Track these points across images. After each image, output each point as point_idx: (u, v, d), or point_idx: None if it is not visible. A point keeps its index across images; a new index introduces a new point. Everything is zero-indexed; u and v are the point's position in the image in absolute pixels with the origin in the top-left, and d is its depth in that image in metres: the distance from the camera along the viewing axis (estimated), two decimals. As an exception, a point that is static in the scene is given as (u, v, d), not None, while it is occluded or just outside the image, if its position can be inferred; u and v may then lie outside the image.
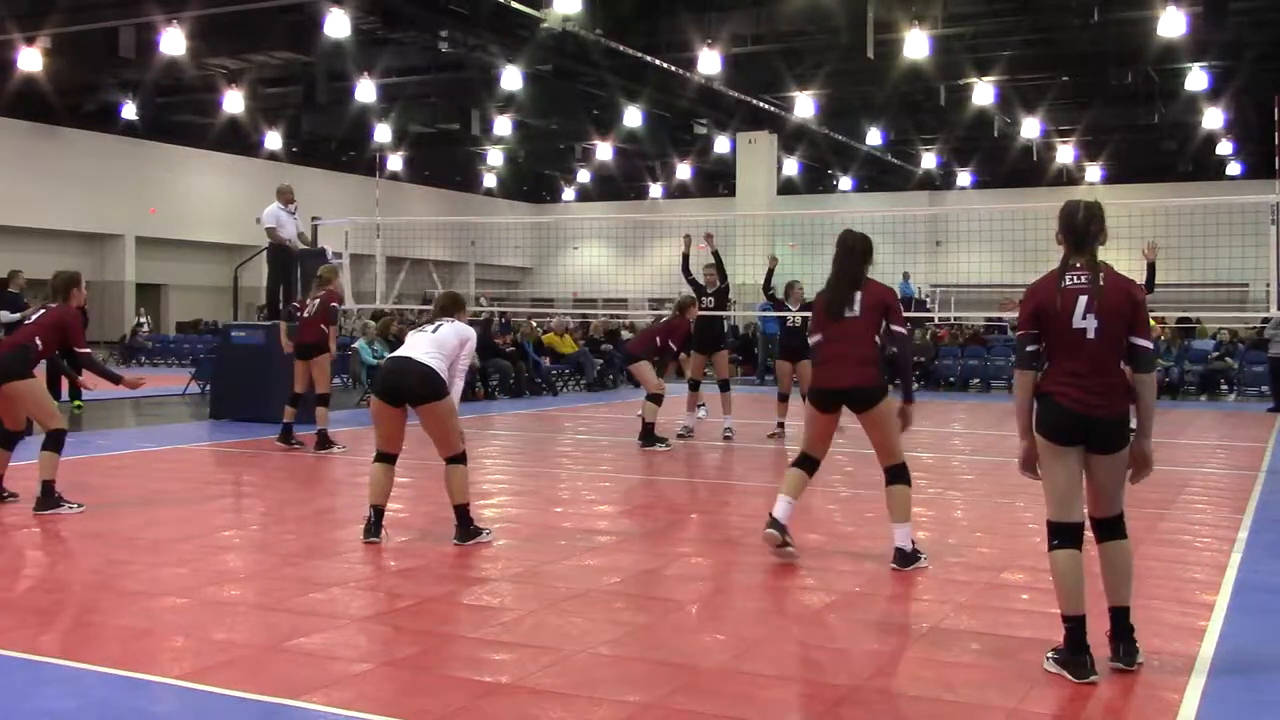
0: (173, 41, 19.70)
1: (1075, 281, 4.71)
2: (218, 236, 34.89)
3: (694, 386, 13.59)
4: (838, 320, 6.54)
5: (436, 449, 7.24)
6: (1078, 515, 4.73)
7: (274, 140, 31.68)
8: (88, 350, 8.33)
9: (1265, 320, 18.26)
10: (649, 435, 12.32)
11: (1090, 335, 4.63)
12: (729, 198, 34.06)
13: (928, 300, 32.59)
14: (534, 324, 22.79)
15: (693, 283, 13.37)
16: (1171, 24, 17.98)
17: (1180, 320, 23.63)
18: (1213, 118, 26.83)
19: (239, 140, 32.78)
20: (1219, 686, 4.61)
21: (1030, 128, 28.54)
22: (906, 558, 6.55)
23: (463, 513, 7.21)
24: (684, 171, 37.34)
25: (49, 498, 8.00)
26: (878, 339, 6.51)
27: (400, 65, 25.54)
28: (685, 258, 13.53)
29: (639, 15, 22.33)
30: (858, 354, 6.46)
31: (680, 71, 22.93)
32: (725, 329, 13.62)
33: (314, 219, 16.27)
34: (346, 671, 4.75)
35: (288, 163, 33.63)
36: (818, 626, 5.57)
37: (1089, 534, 4.85)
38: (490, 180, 42.77)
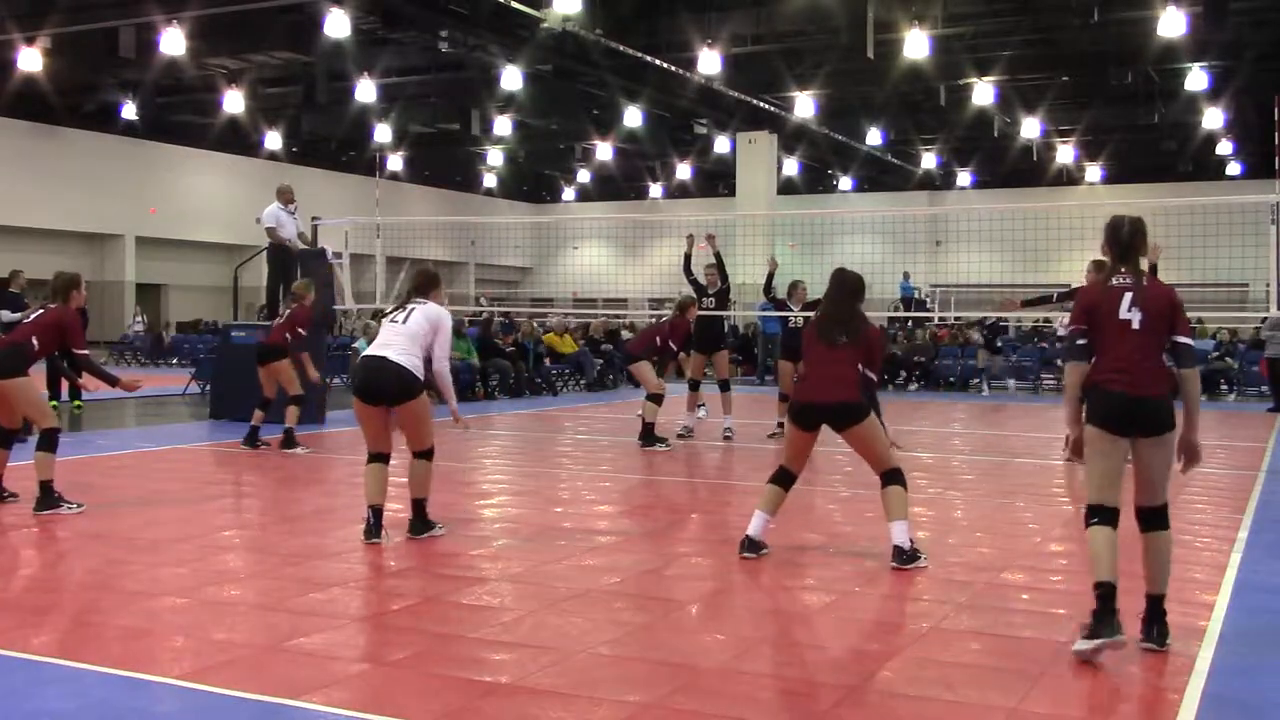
0: (173, 41, 19.70)
1: (1121, 282, 5.12)
2: (218, 236, 34.90)
3: (694, 386, 13.59)
4: (828, 346, 6.70)
5: (408, 443, 7.29)
6: (1114, 500, 5.06)
7: (274, 140, 31.67)
8: (86, 352, 8.33)
9: (1264, 320, 18.26)
10: (649, 435, 12.32)
11: (1135, 326, 5.01)
12: (729, 198, 34.06)
13: (928, 300, 32.60)
14: (535, 324, 22.80)
15: (694, 283, 13.37)
16: (1171, 24, 17.98)
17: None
18: (1213, 118, 26.83)
19: (239, 140, 32.78)
20: (1219, 686, 4.61)
21: (1030, 128, 28.54)
22: (906, 556, 6.56)
23: (420, 507, 7.33)
24: (684, 171, 37.34)
25: (48, 497, 8.01)
26: (860, 367, 6.65)
27: (400, 65, 25.54)
28: (687, 258, 13.53)
29: (639, 15, 22.33)
30: (841, 374, 6.61)
31: (680, 71, 22.93)
32: (725, 329, 13.63)
33: (314, 219, 16.27)
34: (346, 671, 4.75)
35: (288, 163, 33.62)
36: (818, 626, 5.57)
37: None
38: (490, 180, 42.77)
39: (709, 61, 20.72)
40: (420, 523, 7.35)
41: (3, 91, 25.17)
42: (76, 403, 15.46)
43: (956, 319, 25.36)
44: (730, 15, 22.04)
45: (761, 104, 26.13)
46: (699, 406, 14.82)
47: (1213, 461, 12.08)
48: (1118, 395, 4.98)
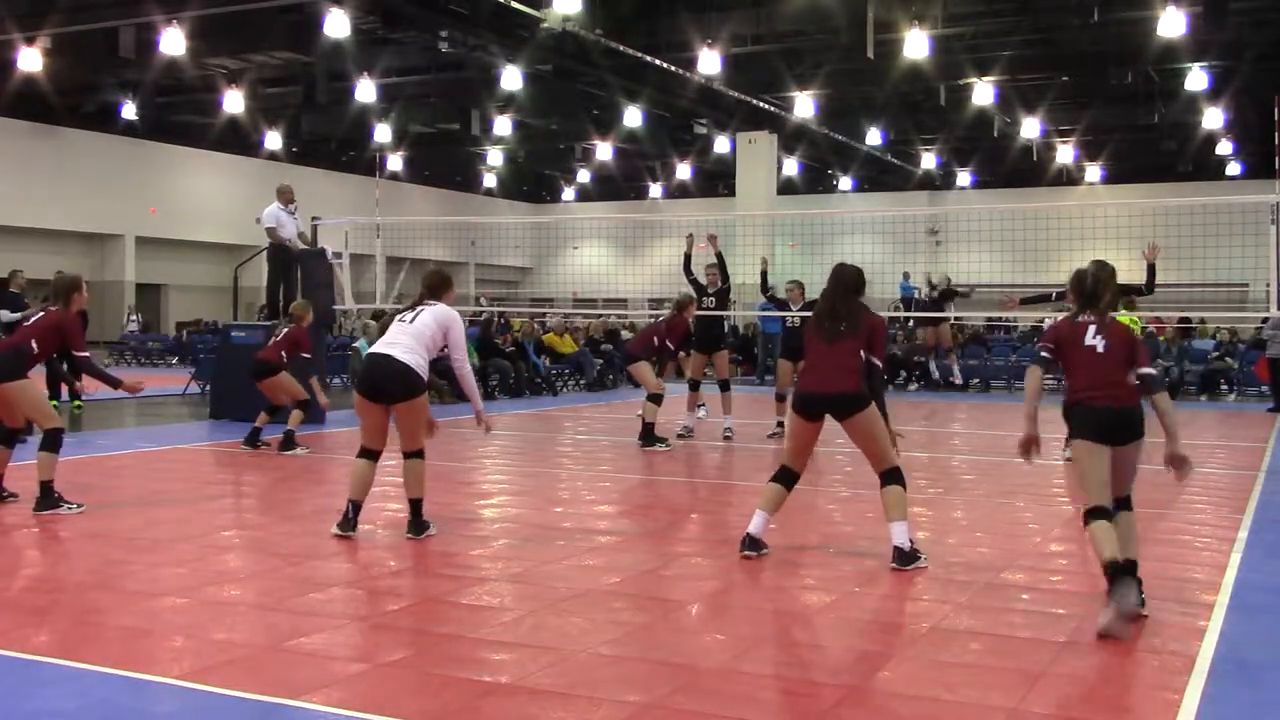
0: (173, 41, 19.70)
1: (1085, 319, 5.86)
2: (218, 236, 34.90)
3: (694, 386, 13.58)
4: (828, 340, 6.73)
5: (401, 442, 7.32)
6: (1108, 500, 5.59)
7: (274, 140, 31.68)
8: (87, 354, 8.32)
9: (1264, 320, 18.25)
10: (649, 435, 12.31)
11: (1100, 350, 5.70)
12: (729, 198, 34.06)
13: (928, 300, 32.57)
14: (535, 324, 22.80)
15: (694, 282, 13.36)
16: (1171, 24, 17.98)
17: (1181, 320, 23.63)
18: (1213, 118, 26.83)
19: (239, 140, 32.79)
20: (1219, 686, 4.61)
21: (1030, 128, 28.54)
22: (906, 557, 6.56)
23: (417, 506, 7.35)
24: (684, 171, 37.34)
25: (48, 498, 8.01)
26: (862, 353, 6.67)
27: (400, 65, 25.55)
28: (687, 257, 13.51)
29: (639, 15, 22.33)
30: (843, 364, 6.62)
31: (680, 71, 22.93)
32: (726, 329, 13.65)
33: (314, 219, 16.27)
34: (346, 671, 4.75)
35: (288, 163, 33.62)
36: (818, 627, 5.56)
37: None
38: (490, 180, 42.77)
39: (709, 61, 20.72)
40: (418, 523, 7.37)
41: (3, 91, 25.18)
42: (77, 403, 15.46)
43: (956, 319, 25.35)
44: (730, 15, 22.04)
45: (761, 104, 26.13)
46: (699, 406, 14.81)
47: (1213, 461, 12.08)
48: (1104, 410, 5.59)
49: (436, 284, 7.56)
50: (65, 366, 15.48)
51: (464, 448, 12.08)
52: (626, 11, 21.94)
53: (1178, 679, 4.68)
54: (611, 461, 11.62)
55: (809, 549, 7.24)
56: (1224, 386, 21.62)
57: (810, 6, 21.70)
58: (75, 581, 6.41)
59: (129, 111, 28.72)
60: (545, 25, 19.25)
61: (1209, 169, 33.91)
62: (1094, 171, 35.25)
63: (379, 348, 7.27)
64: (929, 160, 34.82)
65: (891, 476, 6.64)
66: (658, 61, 22.29)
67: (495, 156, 37.71)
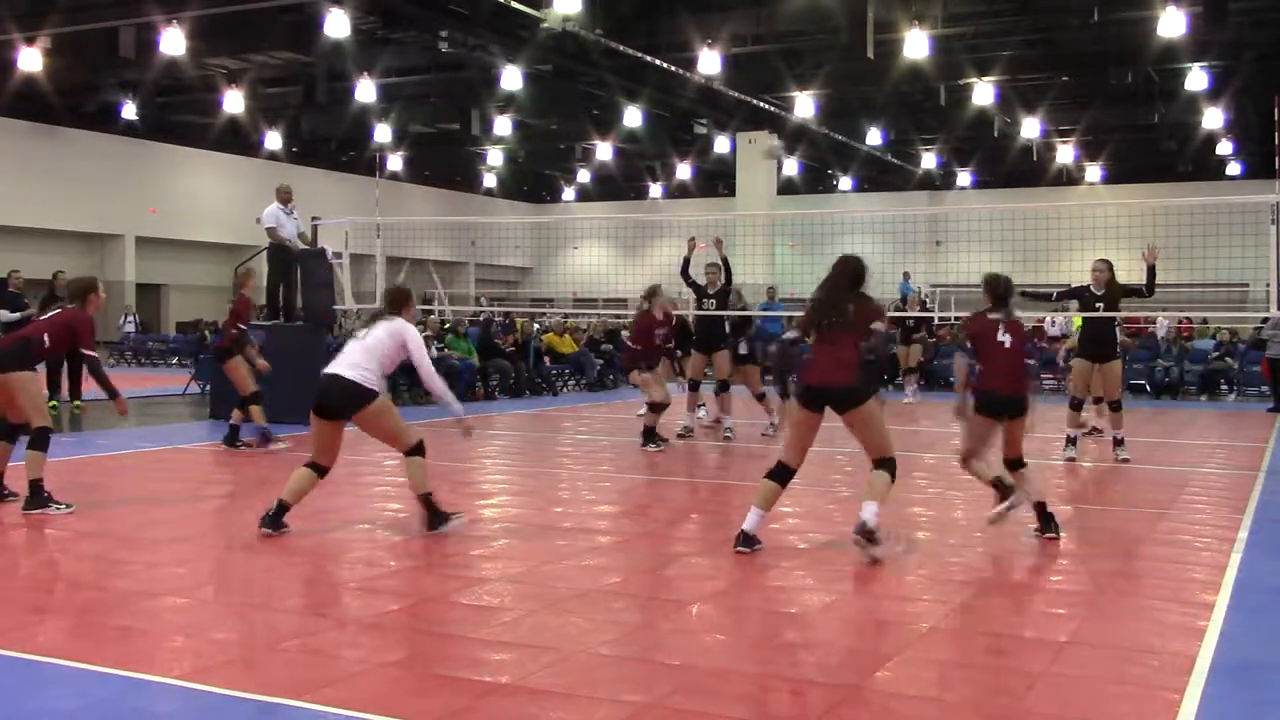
0: (173, 41, 19.69)
1: (995, 318, 7.53)
2: (218, 236, 34.89)
3: (694, 387, 13.56)
4: (827, 330, 6.80)
5: (394, 448, 7.41)
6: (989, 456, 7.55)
7: (274, 140, 31.67)
8: (95, 355, 8.32)
9: (1264, 320, 18.25)
10: (649, 434, 12.29)
11: (1006, 345, 7.41)
12: (729, 198, 34.06)
13: (927, 300, 32.56)
14: (536, 324, 22.80)
15: (692, 284, 13.34)
16: (1171, 24, 17.97)
17: (1182, 321, 23.65)
18: (1213, 118, 26.81)
19: (239, 140, 32.78)
20: (1219, 686, 4.61)
21: (1030, 128, 28.53)
22: (867, 533, 6.59)
23: (427, 501, 7.38)
24: (684, 171, 37.32)
25: (36, 497, 8.00)
26: (860, 343, 6.75)
27: (400, 65, 25.53)
28: (686, 261, 13.46)
29: (639, 15, 22.32)
30: (840, 356, 6.70)
31: (680, 71, 22.92)
32: (726, 329, 13.65)
33: (314, 219, 16.27)
34: (346, 671, 4.75)
35: (288, 163, 33.61)
36: (818, 626, 5.56)
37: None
38: (490, 180, 42.76)
39: (709, 61, 20.71)
40: (434, 517, 7.36)
41: (3, 91, 25.16)
42: (76, 402, 15.45)
43: (957, 319, 25.35)
44: (730, 15, 22.03)
45: (761, 104, 26.12)
46: (699, 406, 14.81)
47: (1213, 461, 12.09)
48: (1002, 395, 7.33)
49: (396, 299, 7.67)
50: (66, 366, 15.54)
51: (464, 448, 12.07)
52: (626, 11, 21.94)
53: (1178, 679, 4.68)
54: (611, 461, 11.62)
55: (810, 549, 7.24)
56: (1224, 386, 21.62)
57: (810, 6, 21.68)
58: (75, 581, 6.41)
59: (129, 111, 28.71)
60: (545, 25, 19.24)
61: (1209, 169, 33.89)
62: (1094, 171, 35.24)
63: (331, 367, 7.33)
64: (929, 160, 34.80)
65: (884, 464, 6.76)
66: (658, 61, 22.28)
67: (495, 156, 37.69)
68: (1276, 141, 14.41)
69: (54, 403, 15.65)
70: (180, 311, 35.20)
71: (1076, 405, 11.70)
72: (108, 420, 14.89)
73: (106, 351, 28.09)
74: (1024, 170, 35.02)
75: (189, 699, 4.39)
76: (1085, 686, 4.64)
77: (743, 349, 13.40)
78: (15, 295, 15.51)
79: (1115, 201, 33.16)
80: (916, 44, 19.93)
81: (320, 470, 7.32)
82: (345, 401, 7.17)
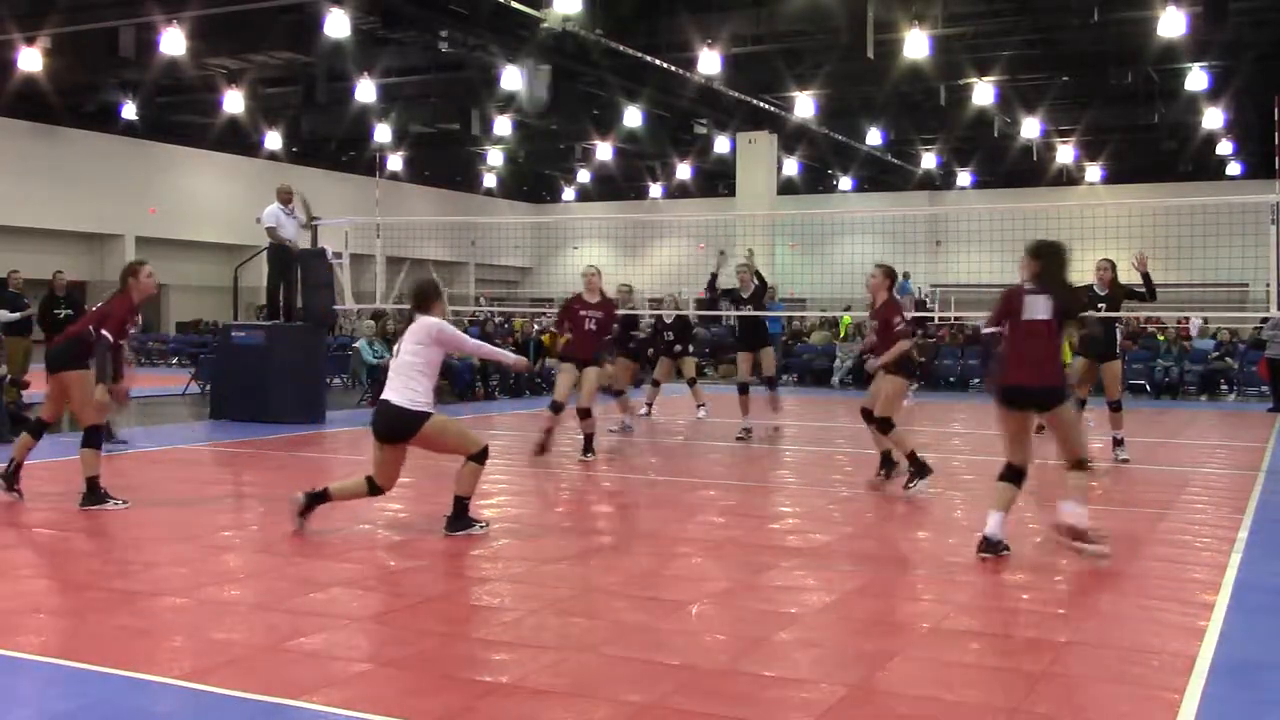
0: (173, 41, 19.69)
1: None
2: (218, 236, 34.88)
3: (744, 390, 13.30)
4: (1027, 320, 6.79)
5: (457, 451, 7.38)
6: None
7: (274, 140, 31.66)
8: (110, 336, 8.12)
9: (1264, 320, 18.25)
10: (584, 443, 11.36)
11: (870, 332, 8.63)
12: (729, 198, 34.05)
13: (928, 300, 32.59)
14: (535, 324, 22.81)
15: (726, 294, 13.34)
16: (1171, 24, 17.97)
17: (1180, 320, 23.64)
18: (1213, 118, 26.81)
19: (239, 140, 32.77)
20: (1219, 686, 4.61)
21: (1030, 128, 28.52)
22: (1078, 534, 6.60)
23: (461, 504, 7.37)
24: (684, 171, 37.30)
25: (94, 494, 8.09)
26: (1063, 336, 6.92)
27: (400, 65, 25.53)
28: (714, 276, 13.40)
29: (639, 15, 22.32)
30: (1040, 353, 6.74)
31: (680, 71, 22.91)
32: (767, 328, 13.76)
33: (314, 219, 16.27)
34: (346, 671, 4.75)
35: (288, 163, 33.59)
36: (818, 626, 5.56)
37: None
38: (490, 180, 42.74)
39: (709, 61, 20.71)
40: (459, 520, 7.36)
41: (3, 91, 25.15)
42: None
43: (957, 319, 25.36)
44: (730, 15, 22.03)
45: (761, 104, 26.12)
46: (700, 406, 14.84)
47: (1213, 461, 12.09)
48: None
49: (419, 297, 7.48)
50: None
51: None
52: (626, 11, 21.93)
53: (1178, 679, 4.68)
54: (611, 462, 11.61)
55: (810, 549, 7.24)
56: (1224, 386, 21.61)
57: (810, 6, 21.68)
58: (75, 581, 6.41)
59: (129, 111, 28.69)
60: (545, 25, 19.24)
61: (1209, 169, 33.88)
62: (1094, 171, 35.23)
63: (385, 392, 7.28)
64: (929, 160, 34.79)
65: (1078, 465, 6.76)
66: (658, 61, 22.27)
67: (495, 156, 37.68)
68: (1276, 141, 14.41)
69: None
70: (180, 311, 35.19)
71: (1080, 405, 11.66)
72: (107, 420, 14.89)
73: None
74: (1024, 170, 35.01)
75: (189, 699, 4.39)
76: (1085, 686, 4.64)
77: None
78: (15, 295, 15.52)
79: (1115, 201, 33.12)
80: (916, 44, 19.92)
81: (375, 488, 7.30)
82: (395, 426, 7.13)
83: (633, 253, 38.62)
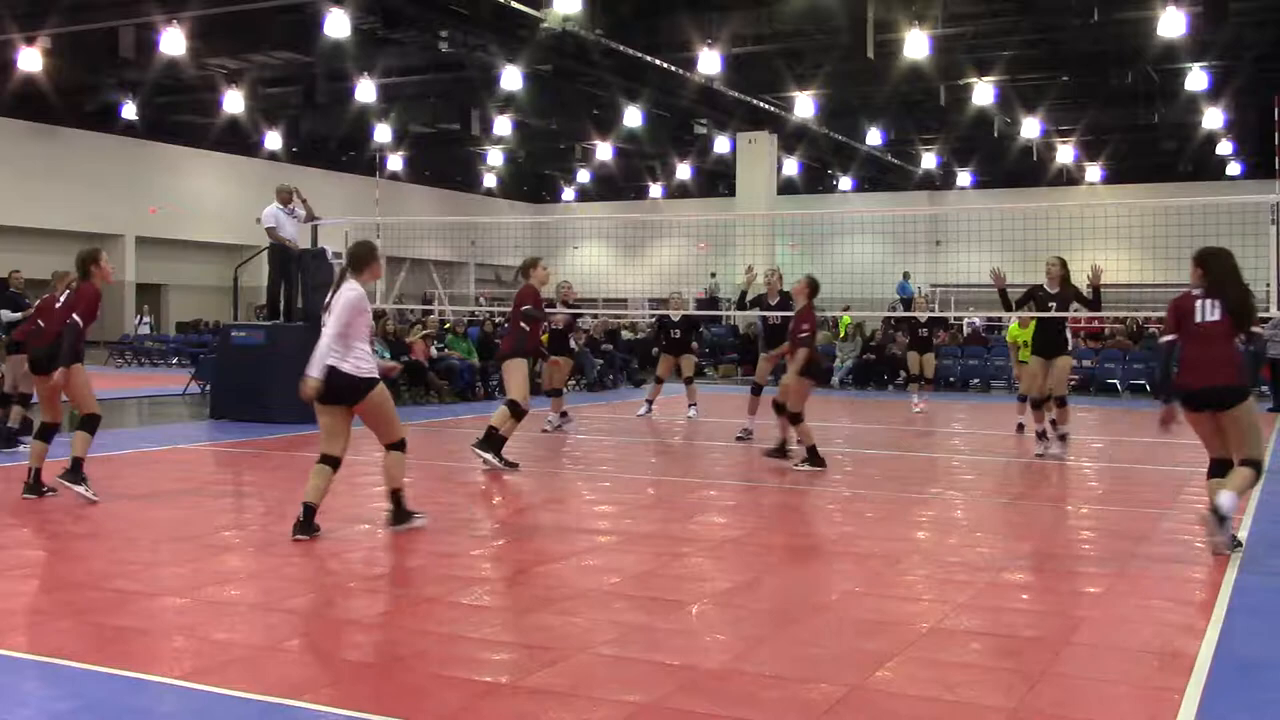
0: (173, 41, 19.69)
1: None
2: (218, 236, 34.91)
3: (756, 390, 13.24)
4: (1200, 323, 7.02)
5: (378, 438, 7.43)
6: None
7: (274, 140, 31.67)
8: (79, 322, 8.19)
9: (1264, 321, 18.23)
10: (494, 443, 10.49)
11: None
12: (729, 198, 34.06)
13: (927, 300, 32.55)
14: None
15: (756, 302, 13.24)
16: (1171, 24, 17.97)
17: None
18: (1213, 118, 26.82)
19: (239, 140, 32.78)
20: (1219, 686, 4.61)
21: (1030, 128, 28.53)
22: (1221, 517, 6.70)
23: (397, 497, 7.45)
24: (684, 171, 37.33)
25: (76, 472, 8.33)
26: (1237, 341, 7.07)
27: (400, 65, 25.53)
28: (744, 293, 13.35)
29: (639, 15, 22.31)
30: (1219, 354, 6.94)
31: (680, 71, 22.92)
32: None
33: (314, 219, 16.27)
34: (346, 671, 4.75)
35: (288, 163, 33.61)
36: (818, 626, 5.56)
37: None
38: (490, 180, 42.75)
39: (709, 61, 20.71)
40: (399, 514, 7.44)
41: (3, 91, 25.17)
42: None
43: (956, 319, 25.36)
44: (730, 15, 22.02)
45: (761, 104, 26.11)
46: (691, 406, 14.85)
47: (1213, 461, 12.07)
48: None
49: (354, 258, 7.34)
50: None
51: (464, 448, 12.05)
52: (626, 11, 21.92)
53: (1178, 679, 4.68)
54: (611, 461, 11.61)
55: (810, 549, 7.24)
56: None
57: (810, 6, 21.67)
58: (75, 581, 6.40)
59: (129, 111, 28.71)
60: (545, 25, 19.24)
61: (1209, 169, 33.88)
62: (1094, 171, 35.23)
63: (317, 354, 7.09)
64: (929, 160, 34.80)
65: (1250, 464, 6.90)
66: (658, 61, 22.28)
67: (495, 156, 37.70)
68: (1276, 141, 14.42)
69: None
70: (180, 311, 35.21)
71: (1036, 404, 11.80)
72: (108, 420, 14.88)
73: (107, 352, 28.08)
74: (1024, 170, 35.02)
75: (189, 699, 4.39)
76: (1085, 686, 4.64)
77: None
78: (16, 295, 15.50)
79: (1115, 201, 33.15)
80: (916, 44, 19.93)
81: (333, 462, 7.22)
82: (346, 392, 7.07)
83: (632, 253, 38.69)
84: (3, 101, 26.57)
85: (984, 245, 21.52)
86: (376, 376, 7.15)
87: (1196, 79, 23.07)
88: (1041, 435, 11.68)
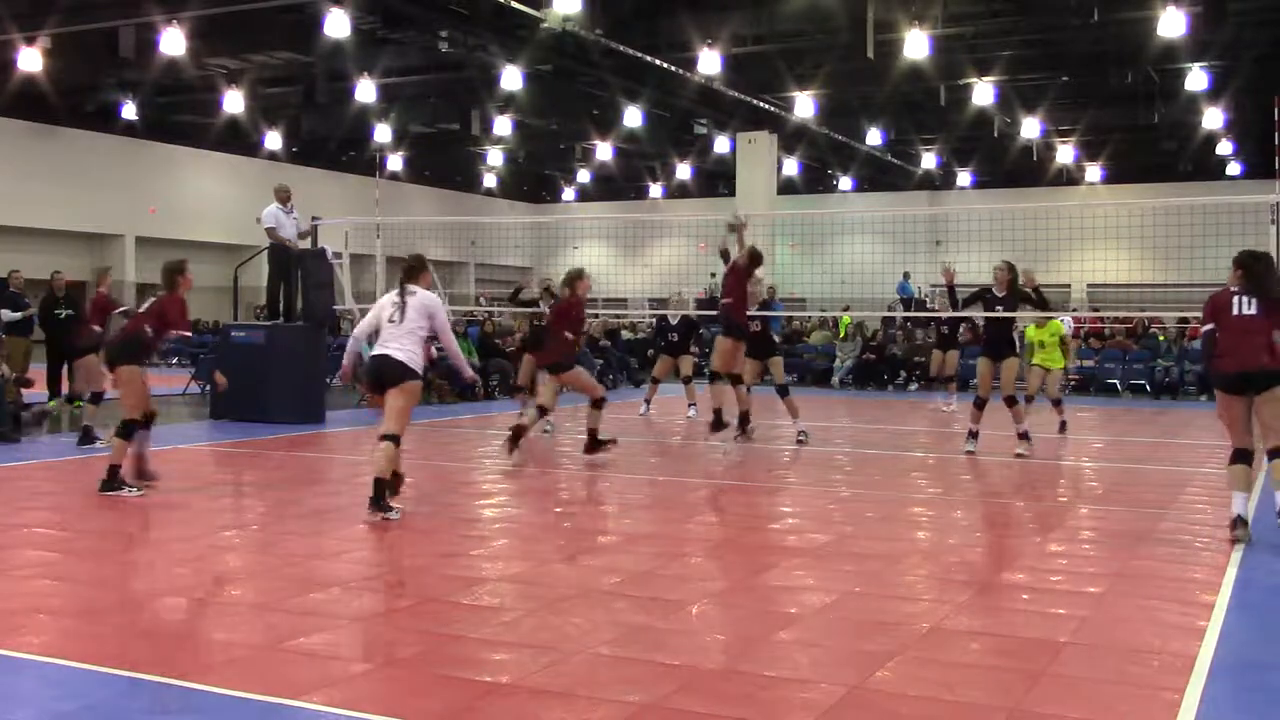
0: (173, 41, 19.67)
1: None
2: (218, 236, 34.88)
3: (784, 392, 13.24)
4: (1238, 316, 7.37)
5: (384, 423, 7.91)
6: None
7: (274, 140, 31.65)
8: (189, 335, 9.32)
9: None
10: (598, 442, 11.20)
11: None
12: (729, 197, 34.04)
13: (928, 300, 32.57)
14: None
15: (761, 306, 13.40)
16: (1171, 24, 17.96)
17: (1180, 320, 23.65)
18: (1213, 118, 26.80)
19: (239, 140, 32.76)
20: (1219, 686, 4.61)
21: (1030, 128, 28.50)
22: (1245, 523, 7.20)
23: (380, 487, 7.80)
24: (684, 171, 37.31)
25: (112, 480, 8.55)
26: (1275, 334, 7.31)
27: (400, 65, 25.51)
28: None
29: (639, 15, 22.30)
30: (1257, 341, 7.22)
31: (680, 71, 22.91)
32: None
33: (314, 219, 16.28)
34: (346, 671, 4.75)
35: (288, 163, 33.60)
36: (818, 627, 5.56)
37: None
38: (490, 180, 42.74)
39: (709, 61, 20.70)
40: (379, 502, 7.78)
41: (3, 91, 25.14)
42: (77, 403, 15.46)
43: (956, 319, 25.30)
44: (730, 15, 22.01)
45: (761, 104, 26.11)
46: (690, 405, 14.85)
47: (1212, 461, 12.07)
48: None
49: (413, 268, 8.36)
50: (66, 367, 15.54)
51: (464, 448, 12.07)
52: (626, 11, 21.91)
53: (1178, 679, 4.68)
54: (611, 461, 11.60)
55: (809, 549, 7.24)
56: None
57: (810, 6, 21.66)
58: (76, 581, 6.41)
59: (129, 111, 28.69)
60: (545, 25, 19.22)
61: (1209, 169, 33.86)
62: (1094, 171, 35.20)
63: (377, 350, 8.05)
64: (929, 160, 34.77)
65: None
66: (658, 61, 22.27)
67: (495, 156, 37.68)
68: (1276, 141, 14.42)
69: (51, 402, 15.67)
70: (180, 311, 35.19)
71: (980, 404, 12.06)
72: (108, 420, 14.90)
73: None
74: (1024, 170, 34.99)
75: (189, 699, 4.39)
76: (1085, 686, 4.64)
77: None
78: (16, 295, 15.52)
79: (1115, 201, 33.16)
80: (916, 44, 19.91)
81: (395, 439, 7.84)
82: (399, 372, 7.85)
83: (633, 252, 38.67)
84: (2, 101, 26.53)
85: (984, 245, 21.49)
86: (420, 371, 7.99)
87: (1196, 79, 23.05)
88: (1024, 436, 11.92)
